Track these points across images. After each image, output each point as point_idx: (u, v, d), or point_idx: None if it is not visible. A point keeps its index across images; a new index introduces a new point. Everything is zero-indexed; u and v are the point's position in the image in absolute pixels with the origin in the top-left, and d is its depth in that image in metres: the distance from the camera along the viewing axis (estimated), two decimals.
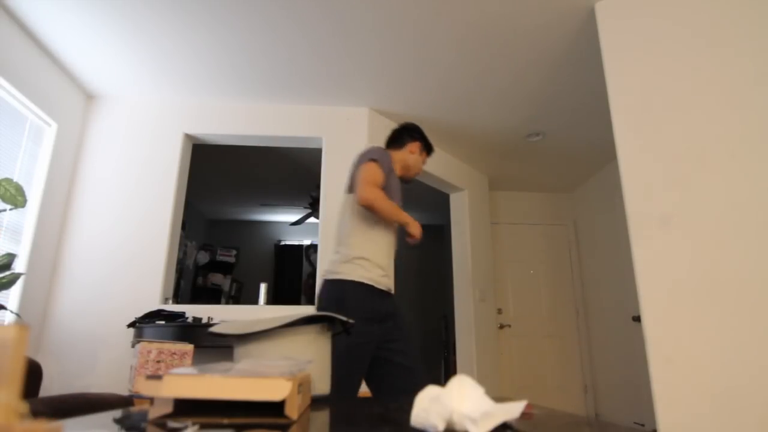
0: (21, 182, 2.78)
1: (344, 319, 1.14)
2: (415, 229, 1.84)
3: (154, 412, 0.66)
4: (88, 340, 3.00)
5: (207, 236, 6.78)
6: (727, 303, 1.86)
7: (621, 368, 4.37)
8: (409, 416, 0.58)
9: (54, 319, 3.04)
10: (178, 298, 4.99)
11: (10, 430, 0.25)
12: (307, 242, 7.01)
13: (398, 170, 2.03)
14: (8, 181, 2.34)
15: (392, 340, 1.80)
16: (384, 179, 1.82)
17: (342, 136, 3.59)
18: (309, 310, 3.21)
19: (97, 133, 3.44)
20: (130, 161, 3.40)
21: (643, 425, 3.82)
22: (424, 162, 2.13)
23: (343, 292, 1.74)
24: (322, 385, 1.05)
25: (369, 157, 1.83)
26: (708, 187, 1.99)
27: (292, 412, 0.67)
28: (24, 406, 0.27)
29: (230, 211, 6.72)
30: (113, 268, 3.17)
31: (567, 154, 4.48)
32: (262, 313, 3.18)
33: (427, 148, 2.12)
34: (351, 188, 1.89)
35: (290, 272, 6.92)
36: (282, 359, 0.90)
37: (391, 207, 1.77)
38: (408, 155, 2.05)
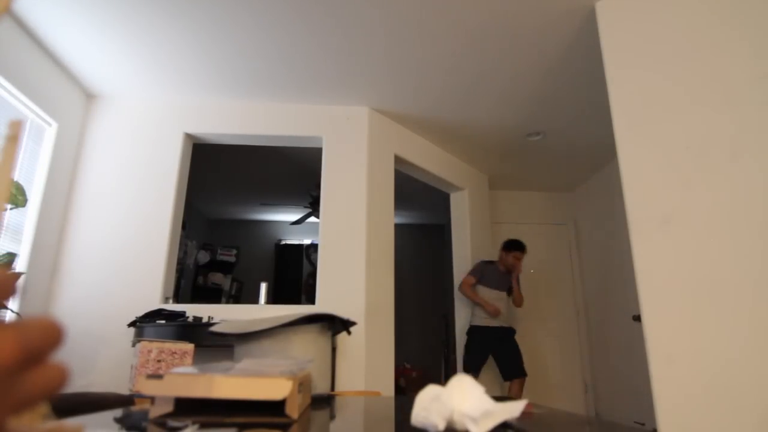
0: (21, 182, 2.79)
1: (344, 318, 1.14)
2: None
3: (155, 412, 0.66)
4: (89, 340, 3.00)
5: (207, 236, 6.77)
6: (728, 302, 1.86)
7: (621, 368, 4.37)
8: (409, 415, 0.58)
9: None
10: (178, 298, 4.99)
11: (34, 431, 0.25)
12: (307, 241, 7.00)
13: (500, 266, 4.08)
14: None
15: None
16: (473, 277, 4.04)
17: (342, 136, 3.59)
18: (309, 309, 3.22)
19: (97, 133, 3.44)
20: (131, 161, 3.40)
21: (643, 425, 3.82)
22: (509, 259, 4.03)
23: None
24: (323, 384, 1.05)
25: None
26: (708, 187, 1.98)
27: (292, 411, 0.67)
28: (45, 406, 0.27)
29: (230, 211, 6.72)
30: (113, 268, 3.17)
31: (567, 154, 4.48)
32: (262, 312, 3.19)
33: (506, 248, 4.06)
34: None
35: (291, 271, 6.91)
36: (282, 358, 0.91)
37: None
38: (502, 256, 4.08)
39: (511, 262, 4.00)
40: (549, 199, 5.45)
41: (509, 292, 4.04)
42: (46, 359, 0.21)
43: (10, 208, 2.46)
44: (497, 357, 3.88)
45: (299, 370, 0.76)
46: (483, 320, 3.91)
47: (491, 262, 4.15)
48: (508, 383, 3.88)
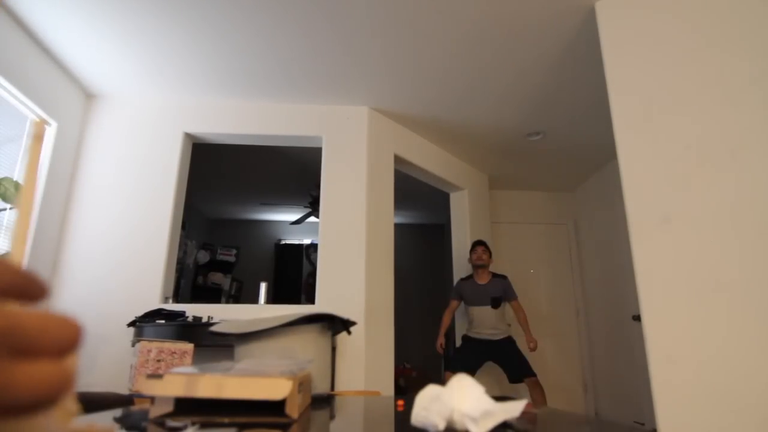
0: (21, 181, 2.79)
1: (344, 318, 1.14)
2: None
3: (155, 412, 0.66)
4: (89, 339, 2.99)
5: (207, 235, 6.78)
6: (728, 302, 1.85)
7: (621, 368, 4.37)
8: (410, 415, 0.58)
9: None
10: (178, 297, 4.99)
11: (64, 430, 0.25)
12: (307, 241, 7.01)
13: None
14: (8, 180, 2.34)
15: None
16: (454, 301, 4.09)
17: (342, 135, 3.59)
18: (309, 309, 3.22)
19: (97, 133, 3.43)
20: (130, 160, 3.39)
21: (643, 424, 3.82)
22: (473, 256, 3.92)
23: None
24: (323, 384, 1.05)
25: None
26: (708, 187, 1.98)
27: (292, 411, 0.67)
28: (77, 406, 0.26)
29: (230, 211, 6.72)
30: (113, 267, 3.17)
31: (567, 154, 4.48)
32: (262, 312, 3.19)
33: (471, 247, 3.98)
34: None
35: (290, 271, 6.92)
36: (282, 358, 0.90)
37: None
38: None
39: (475, 258, 3.91)
40: (549, 199, 5.45)
41: (494, 304, 3.85)
42: (40, 348, 0.20)
43: (10, 208, 2.46)
44: (500, 364, 3.82)
45: (299, 370, 0.76)
46: (473, 332, 3.88)
47: (467, 278, 4.04)
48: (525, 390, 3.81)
